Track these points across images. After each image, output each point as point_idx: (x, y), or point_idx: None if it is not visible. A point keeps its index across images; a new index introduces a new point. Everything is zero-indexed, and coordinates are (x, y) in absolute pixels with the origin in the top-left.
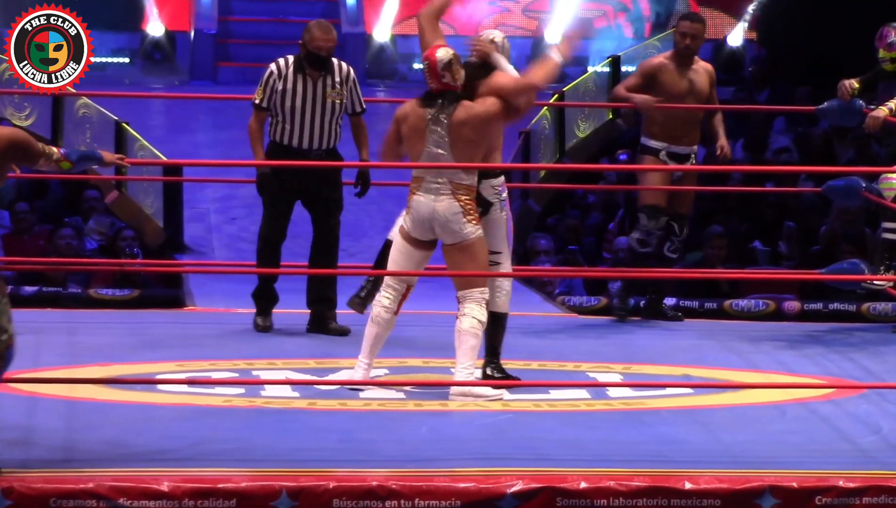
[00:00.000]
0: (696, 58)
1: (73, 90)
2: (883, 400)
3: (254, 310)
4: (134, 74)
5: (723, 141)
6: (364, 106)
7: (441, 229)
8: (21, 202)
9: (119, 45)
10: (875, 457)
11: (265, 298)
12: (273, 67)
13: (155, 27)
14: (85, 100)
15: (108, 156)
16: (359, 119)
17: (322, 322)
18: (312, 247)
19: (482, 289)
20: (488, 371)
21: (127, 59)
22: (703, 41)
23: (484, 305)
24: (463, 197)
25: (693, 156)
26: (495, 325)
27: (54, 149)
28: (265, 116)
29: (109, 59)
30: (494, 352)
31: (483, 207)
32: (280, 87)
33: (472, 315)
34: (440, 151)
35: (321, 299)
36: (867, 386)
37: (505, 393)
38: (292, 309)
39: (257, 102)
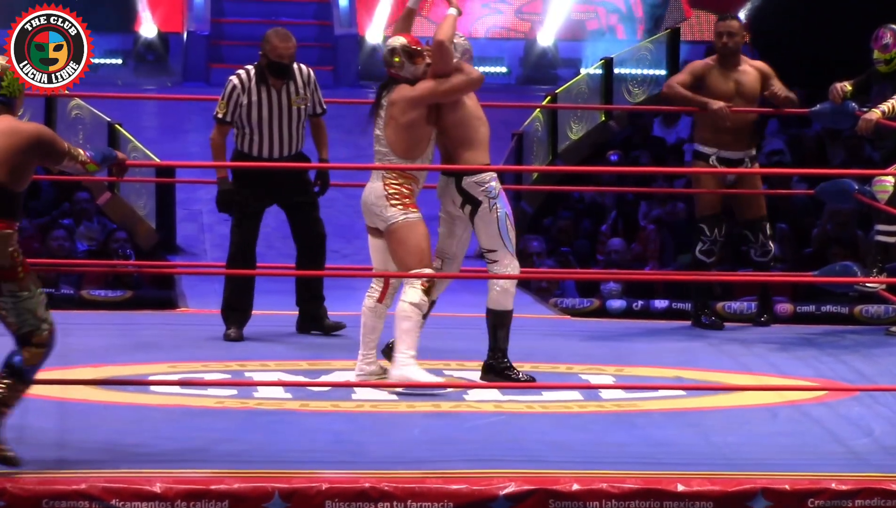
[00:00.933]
0: (745, 58)
1: (66, 91)
2: (875, 403)
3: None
4: (126, 75)
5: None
6: (325, 107)
7: (370, 215)
8: None
9: (112, 46)
10: (867, 459)
11: (238, 309)
12: (235, 80)
13: (148, 28)
14: (77, 101)
15: (121, 155)
16: (318, 120)
17: (316, 319)
18: (298, 248)
19: (418, 272)
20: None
21: (120, 61)
22: (742, 38)
23: (419, 286)
24: (391, 181)
25: (748, 160)
26: (492, 322)
27: (80, 151)
28: (228, 130)
29: (102, 61)
30: (496, 348)
31: (472, 205)
32: (245, 100)
33: (403, 299)
34: (378, 131)
35: (313, 297)
36: (859, 389)
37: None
38: (281, 311)
39: (220, 116)
